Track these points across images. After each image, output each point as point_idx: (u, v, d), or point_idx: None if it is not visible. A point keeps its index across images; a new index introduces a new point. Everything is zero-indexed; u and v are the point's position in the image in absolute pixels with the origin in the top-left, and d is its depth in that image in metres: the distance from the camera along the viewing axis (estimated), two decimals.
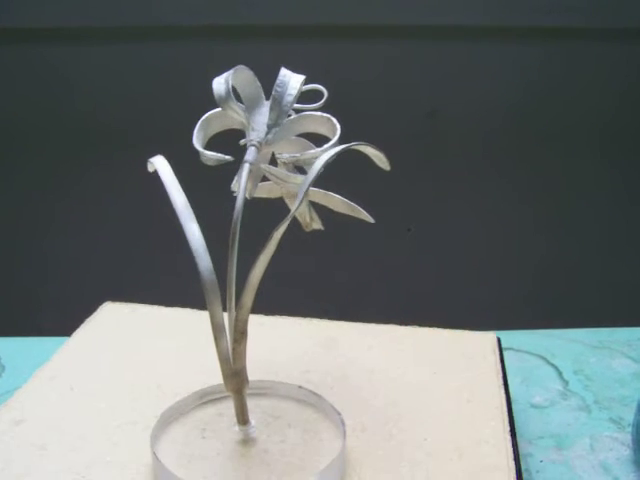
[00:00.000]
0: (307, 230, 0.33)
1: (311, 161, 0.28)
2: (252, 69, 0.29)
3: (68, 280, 0.82)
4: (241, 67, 0.28)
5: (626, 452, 0.38)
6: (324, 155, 0.28)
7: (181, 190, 0.27)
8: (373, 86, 0.77)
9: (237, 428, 0.30)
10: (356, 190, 0.79)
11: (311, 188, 0.30)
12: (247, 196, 0.29)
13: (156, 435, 0.29)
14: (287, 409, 0.32)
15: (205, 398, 0.32)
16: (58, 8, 0.71)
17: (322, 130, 0.30)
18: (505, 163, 0.81)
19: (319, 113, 0.30)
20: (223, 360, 0.28)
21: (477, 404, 0.34)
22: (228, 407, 0.31)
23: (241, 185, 0.27)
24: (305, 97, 0.29)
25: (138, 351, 0.37)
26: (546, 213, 0.83)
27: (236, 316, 0.28)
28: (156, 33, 0.72)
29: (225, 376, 0.28)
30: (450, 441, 0.31)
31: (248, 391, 0.29)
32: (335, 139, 0.28)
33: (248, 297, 0.27)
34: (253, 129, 0.28)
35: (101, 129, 0.72)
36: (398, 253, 0.83)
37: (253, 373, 0.29)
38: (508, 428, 0.32)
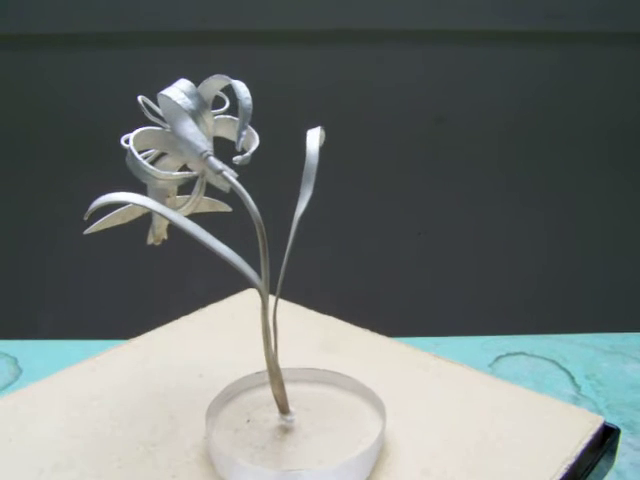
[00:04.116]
0: (157, 243, 0.33)
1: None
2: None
3: (80, 281, 0.83)
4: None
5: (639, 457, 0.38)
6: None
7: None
8: (383, 91, 0.77)
9: (278, 417, 0.31)
10: (366, 194, 0.79)
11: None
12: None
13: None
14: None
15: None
16: (58, 15, 0.72)
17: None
18: (514, 168, 0.81)
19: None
20: (271, 360, 0.29)
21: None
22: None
23: (242, 191, 0.27)
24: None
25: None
26: (556, 217, 0.83)
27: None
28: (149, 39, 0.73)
29: (272, 373, 0.29)
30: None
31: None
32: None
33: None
34: (207, 140, 0.28)
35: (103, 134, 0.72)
36: (408, 256, 0.83)
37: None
38: None
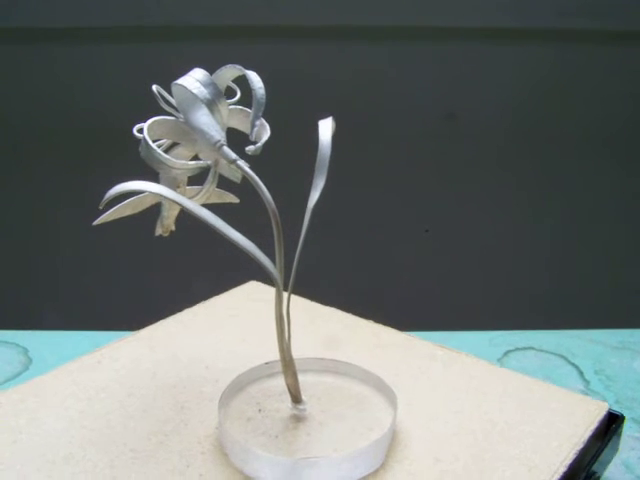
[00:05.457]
0: (165, 234, 0.33)
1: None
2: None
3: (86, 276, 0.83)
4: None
5: None
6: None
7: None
8: (393, 88, 0.77)
9: (290, 406, 0.31)
10: (375, 190, 0.79)
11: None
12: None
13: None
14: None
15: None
16: (69, 8, 0.72)
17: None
18: (523, 165, 0.81)
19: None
20: (284, 349, 0.29)
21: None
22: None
23: (257, 180, 0.27)
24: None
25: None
26: (564, 214, 0.83)
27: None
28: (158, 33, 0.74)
29: (285, 363, 0.29)
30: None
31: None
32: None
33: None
34: (221, 130, 0.28)
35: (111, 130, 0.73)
36: (415, 253, 0.83)
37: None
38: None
